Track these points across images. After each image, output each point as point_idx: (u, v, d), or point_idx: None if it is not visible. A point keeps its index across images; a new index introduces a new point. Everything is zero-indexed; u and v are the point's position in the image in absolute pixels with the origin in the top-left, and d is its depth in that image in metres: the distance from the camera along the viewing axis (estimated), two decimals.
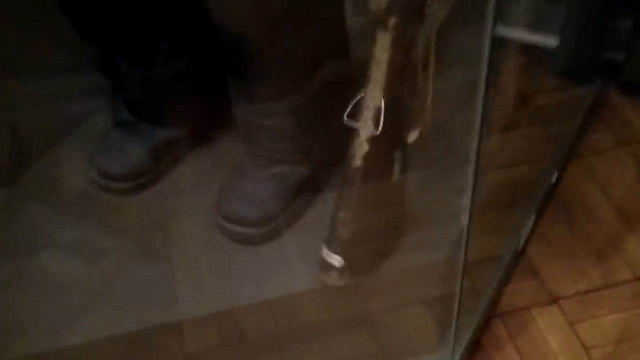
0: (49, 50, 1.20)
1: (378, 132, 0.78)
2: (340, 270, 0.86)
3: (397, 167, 0.84)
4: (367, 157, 0.80)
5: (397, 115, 0.80)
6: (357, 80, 0.83)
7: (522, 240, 1.03)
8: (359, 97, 0.77)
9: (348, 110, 0.78)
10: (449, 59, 1.18)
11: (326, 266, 0.87)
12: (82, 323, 0.94)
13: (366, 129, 0.78)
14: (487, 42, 0.64)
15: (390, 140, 0.81)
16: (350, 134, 0.83)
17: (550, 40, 1.27)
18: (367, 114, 0.78)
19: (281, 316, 0.94)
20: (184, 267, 0.99)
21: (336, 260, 0.86)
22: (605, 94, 1.27)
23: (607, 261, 1.02)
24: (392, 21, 0.73)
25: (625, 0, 1.21)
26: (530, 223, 1.05)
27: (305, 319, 0.94)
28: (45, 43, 1.21)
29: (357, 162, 0.80)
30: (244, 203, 0.95)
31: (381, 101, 0.76)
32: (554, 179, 1.11)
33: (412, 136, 0.87)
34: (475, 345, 0.92)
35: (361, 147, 0.79)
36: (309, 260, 0.94)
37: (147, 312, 0.95)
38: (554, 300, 0.97)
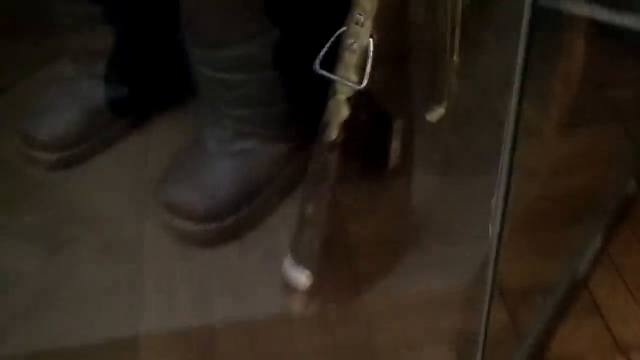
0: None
1: (363, 87, 0.53)
2: (308, 291, 0.62)
3: (396, 145, 0.59)
4: (348, 126, 0.55)
5: (398, 64, 0.55)
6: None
7: (584, 267, 0.88)
8: (339, 32, 0.52)
9: (322, 53, 0.53)
10: (498, 21, 0.99)
11: (290, 283, 0.63)
12: (22, 329, 0.78)
13: (347, 82, 0.53)
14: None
15: (385, 103, 0.56)
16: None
17: (633, 21, 1.17)
18: (349, 59, 0.53)
19: (254, 342, 0.74)
20: (142, 271, 0.80)
21: (303, 274, 0.61)
22: None
23: None
24: None
25: None
26: (595, 245, 0.90)
27: (280, 350, 0.74)
28: None
29: (333, 133, 0.56)
30: (194, 188, 0.72)
31: (370, 38, 0.51)
32: (630, 191, 0.96)
33: (435, 115, 0.63)
34: None
35: (339, 111, 0.55)
36: (274, 270, 0.72)
37: (100, 320, 0.78)
38: (623, 350, 0.83)
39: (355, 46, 0.52)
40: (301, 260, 0.62)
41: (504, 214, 0.58)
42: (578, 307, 0.85)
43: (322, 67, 0.54)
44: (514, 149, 0.55)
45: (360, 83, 0.53)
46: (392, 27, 0.53)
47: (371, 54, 0.52)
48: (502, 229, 0.59)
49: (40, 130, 0.81)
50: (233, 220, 0.73)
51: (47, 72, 0.87)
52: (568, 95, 1.07)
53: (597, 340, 0.83)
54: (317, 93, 0.63)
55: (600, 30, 1.19)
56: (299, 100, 0.72)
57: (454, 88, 0.68)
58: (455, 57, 0.62)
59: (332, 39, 0.53)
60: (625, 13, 1.20)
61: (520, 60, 0.49)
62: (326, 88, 0.61)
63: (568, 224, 0.90)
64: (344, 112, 0.55)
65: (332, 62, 0.56)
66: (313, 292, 0.62)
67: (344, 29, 0.53)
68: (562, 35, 1.04)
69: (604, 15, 1.19)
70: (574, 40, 1.09)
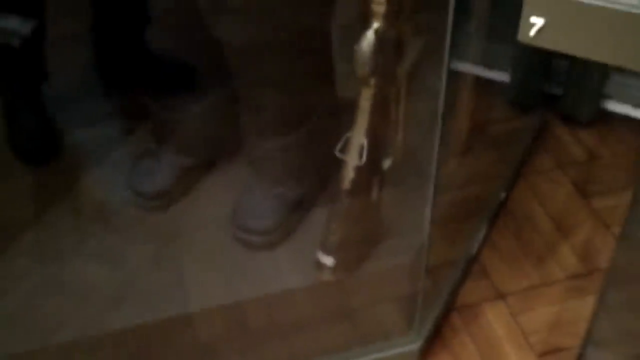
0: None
1: (362, 163, 1.00)
2: (332, 269, 1.08)
3: (375, 189, 1.07)
4: (353, 181, 1.03)
5: (377, 149, 1.03)
6: (342, 122, 1.04)
7: (476, 248, 1.15)
8: (346, 136, 1.00)
9: (339, 146, 1.01)
10: (420, 94, 1.32)
11: (321, 265, 1.09)
12: (108, 317, 1.08)
13: (353, 160, 1.01)
14: (443, 77, 0.78)
15: (371, 168, 1.04)
16: (334, 164, 1.05)
17: (502, 76, 1.40)
18: (354, 150, 1.01)
19: (279, 310, 1.09)
20: (195, 270, 1.13)
21: (329, 260, 1.08)
22: (547, 122, 1.39)
23: (545, 264, 1.14)
24: (372, 80, 0.96)
25: None
26: (482, 233, 1.17)
27: (298, 313, 1.09)
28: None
29: (345, 185, 1.03)
30: (253, 216, 1.16)
31: (364, 140, 0.99)
32: (503, 196, 1.23)
33: (387, 164, 1.09)
34: (436, 333, 1.05)
35: (348, 174, 1.03)
36: (302, 262, 1.13)
37: (164, 308, 1.08)
38: (501, 296, 1.09)
39: (356, 143, 1.00)
40: (327, 252, 1.09)
41: (431, 219, 0.95)
42: (473, 273, 1.12)
43: (338, 152, 1.02)
44: (437, 177, 0.89)
45: (360, 161, 1.00)
46: (375, 132, 1.00)
47: (365, 147, 0.99)
48: (431, 228, 0.96)
49: (145, 187, 1.22)
50: (276, 234, 1.17)
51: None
52: (461, 132, 1.29)
53: (485, 292, 1.09)
54: (322, 161, 1.08)
55: (481, 83, 1.38)
56: (313, 164, 1.16)
57: (400, 150, 1.14)
58: (400, 135, 1.09)
59: (343, 139, 1.01)
60: (495, 69, 1.39)
61: (440, 110, 0.82)
62: (325, 158, 1.04)
63: (465, 220, 1.18)
64: (351, 175, 1.03)
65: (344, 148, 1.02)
66: (335, 270, 1.09)
67: (350, 134, 1.00)
68: (457, 91, 1.24)
69: (480, 71, 1.39)
70: (464, 92, 1.29)
